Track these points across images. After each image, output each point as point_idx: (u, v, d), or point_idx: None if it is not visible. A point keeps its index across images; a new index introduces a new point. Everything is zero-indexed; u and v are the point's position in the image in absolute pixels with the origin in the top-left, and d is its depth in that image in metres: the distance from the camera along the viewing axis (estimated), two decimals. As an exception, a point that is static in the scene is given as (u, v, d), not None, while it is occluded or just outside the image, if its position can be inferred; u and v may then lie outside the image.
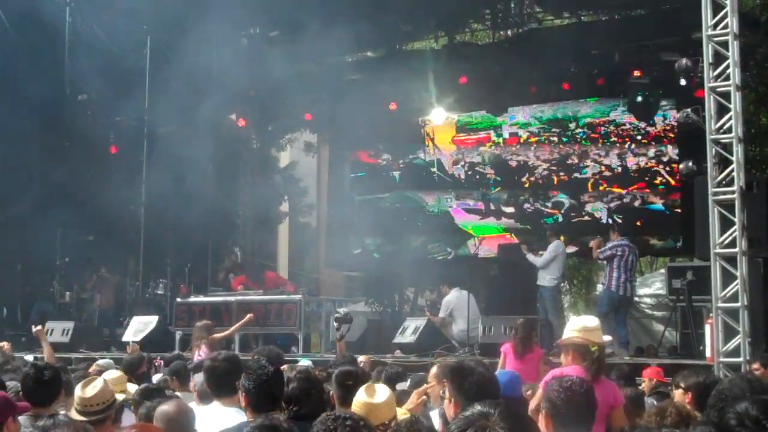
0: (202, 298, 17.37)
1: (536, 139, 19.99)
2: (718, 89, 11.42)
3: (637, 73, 17.88)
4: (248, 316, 14.11)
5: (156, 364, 11.56)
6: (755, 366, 9.72)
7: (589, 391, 4.73)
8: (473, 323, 14.76)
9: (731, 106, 11.27)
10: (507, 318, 13.59)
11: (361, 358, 10.60)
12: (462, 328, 14.98)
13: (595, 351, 6.52)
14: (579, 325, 6.73)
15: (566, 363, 6.64)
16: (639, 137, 18.83)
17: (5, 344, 12.68)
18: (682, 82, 14.72)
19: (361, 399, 5.04)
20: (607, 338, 6.98)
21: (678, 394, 6.28)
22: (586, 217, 19.23)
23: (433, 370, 6.90)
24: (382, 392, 5.11)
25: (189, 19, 17.46)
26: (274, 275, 19.40)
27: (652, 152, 18.72)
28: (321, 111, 21.44)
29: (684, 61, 13.67)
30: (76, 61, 19.06)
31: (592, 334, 6.64)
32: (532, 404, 5.66)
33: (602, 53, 18.20)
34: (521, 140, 20.17)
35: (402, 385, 7.75)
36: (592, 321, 6.83)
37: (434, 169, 21.10)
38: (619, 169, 19.01)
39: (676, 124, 17.89)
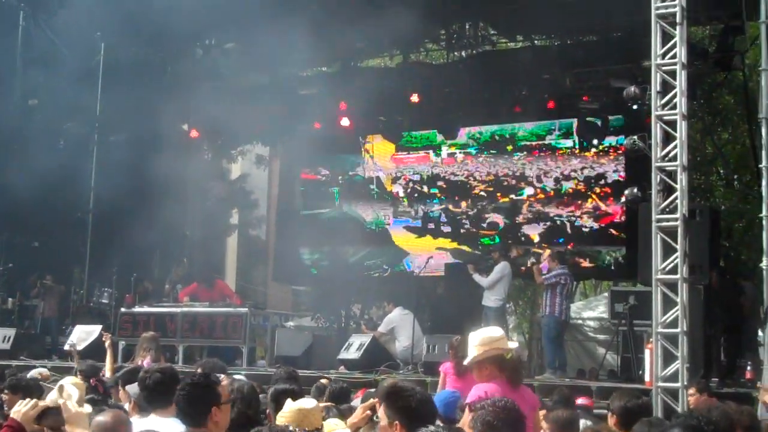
0: (146, 309, 17.22)
1: (473, 159, 20.27)
2: (665, 117, 11.61)
3: (586, 98, 18.16)
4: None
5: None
6: (691, 391, 9.88)
7: (519, 408, 4.82)
8: (418, 342, 14.88)
9: (677, 134, 11.46)
10: (450, 336, 13.65)
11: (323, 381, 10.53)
12: (406, 345, 15.08)
13: (511, 358, 6.62)
14: (485, 338, 6.71)
15: (483, 378, 6.66)
16: (574, 161, 19.18)
17: None
18: (632, 108, 15.00)
19: (293, 407, 5.11)
20: (513, 344, 7.05)
21: (610, 417, 6.42)
22: (522, 239, 19.50)
23: (384, 383, 6.91)
24: (310, 400, 5.20)
25: (144, 27, 17.38)
26: (223, 284, 19.21)
27: (584, 176, 19.07)
28: (273, 124, 21.44)
29: (632, 88, 13.87)
30: (27, 65, 18.89)
31: (500, 342, 6.70)
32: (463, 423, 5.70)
33: (554, 77, 18.41)
34: (458, 161, 20.47)
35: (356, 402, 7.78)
36: (497, 331, 6.87)
37: (372, 186, 21.27)
38: (552, 192, 19.35)
39: (611, 148, 18.35)
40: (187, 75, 19.45)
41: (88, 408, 4.82)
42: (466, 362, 6.64)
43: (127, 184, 17.93)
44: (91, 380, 9.02)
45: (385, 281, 20.20)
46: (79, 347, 15.66)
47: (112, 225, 18.68)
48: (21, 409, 4.56)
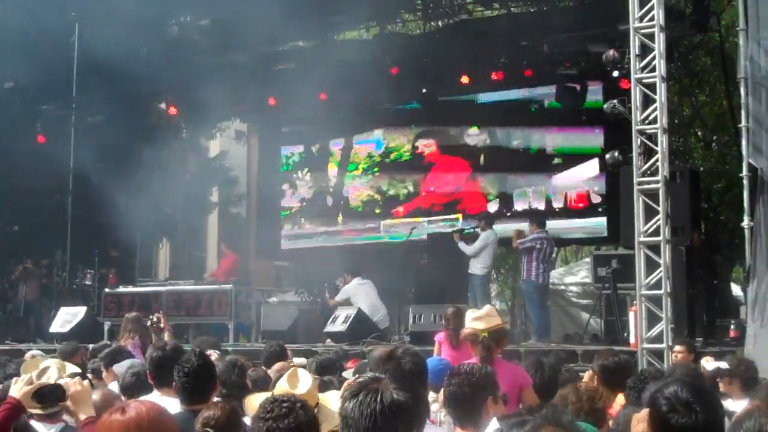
0: (131, 289, 17.22)
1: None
2: (644, 80, 11.65)
3: (565, 64, 18.15)
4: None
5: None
6: (679, 349, 9.95)
7: (474, 374, 4.90)
8: (375, 310, 15.23)
9: (656, 97, 11.51)
10: (437, 306, 13.73)
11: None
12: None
13: (484, 338, 6.72)
14: (470, 317, 6.95)
15: (472, 355, 6.88)
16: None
17: None
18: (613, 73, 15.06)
19: (283, 387, 4.98)
20: (495, 321, 7.11)
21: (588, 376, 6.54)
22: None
23: (374, 353, 6.99)
24: (304, 382, 5.05)
25: (118, 6, 17.25)
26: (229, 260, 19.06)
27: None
28: (251, 100, 21.33)
29: (611, 52, 13.93)
30: (2, 49, 18.71)
31: (479, 321, 6.83)
32: None
33: (531, 44, 18.38)
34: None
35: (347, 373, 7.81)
36: (483, 309, 7.03)
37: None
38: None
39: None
40: (164, 53, 19.29)
41: (88, 386, 4.82)
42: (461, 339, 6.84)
43: (106, 165, 17.86)
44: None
45: (365, 252, 20.18)
46: (64, 329, 15.68)
47: (93, 206, 18.58)
48: (18, 386, 4.54)
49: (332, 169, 21.85)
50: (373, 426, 3.06)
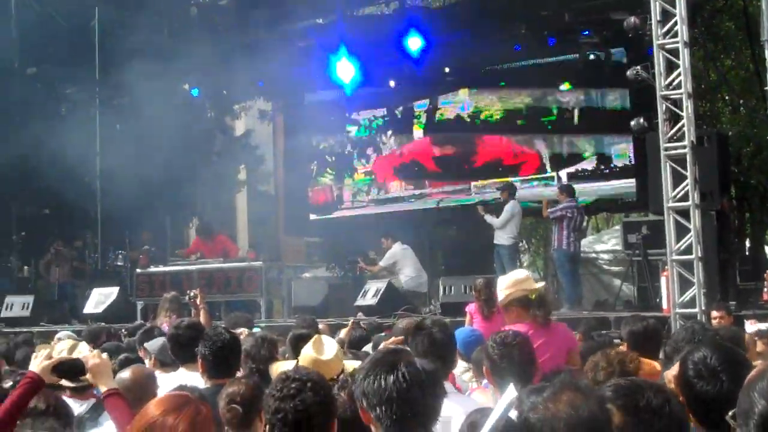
0: (162, 268, 17.35)
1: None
2: (667, 46, 11.60)
3: (587, 33, 18.04)
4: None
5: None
6: (719, 314, 9.93)
7: (524, 343, 4.96)
8: (419, 274, 15.55)
9: (680, 62, 11.45)
10: (466, 278, 13.76)
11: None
12: (412, 275, 15.53)
13: (536, 297, 6.68)
14: (510, 281, 6.85)
15: (511, 320, 6.76)
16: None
17: None
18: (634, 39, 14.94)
19: (308, 354, 5.01)
20: (540, 284, 7.10)
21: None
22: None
23: (400, 325, 7.04)
24: (330, 348, 5.11)
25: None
26: (224, 238, 19.09)
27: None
28: (273, 78, 21.35)
29: (632, 19, 13.79)
30: (24, 34, 18.82)
31: (525, 283, 6.79)
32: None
33: (552, 13, 18.26)
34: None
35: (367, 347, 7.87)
36: (521, 273, 7.00)
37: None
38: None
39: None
40: (184, 34, 19.32)
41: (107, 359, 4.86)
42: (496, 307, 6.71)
43: (132, 147, 17.94)
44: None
45: (395, 225, 20.17)
46: (98, 310, 15.84)
47: (121, 188, 18.68)
48: (37, 361, 4.55)
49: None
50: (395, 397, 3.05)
